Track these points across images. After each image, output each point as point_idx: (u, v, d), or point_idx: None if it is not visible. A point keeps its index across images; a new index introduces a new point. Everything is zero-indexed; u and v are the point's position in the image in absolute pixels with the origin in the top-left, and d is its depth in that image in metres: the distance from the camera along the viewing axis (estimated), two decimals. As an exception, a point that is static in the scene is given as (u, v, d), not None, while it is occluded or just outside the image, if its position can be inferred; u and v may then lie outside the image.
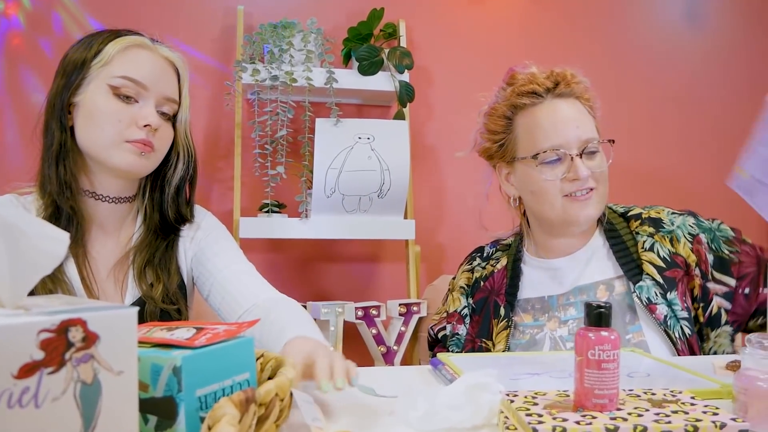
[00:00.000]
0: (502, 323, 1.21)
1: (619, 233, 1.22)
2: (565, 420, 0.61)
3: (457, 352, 1.29)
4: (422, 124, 2.13)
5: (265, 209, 1.81)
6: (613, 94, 2.25)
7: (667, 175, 2.28)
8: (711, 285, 1.15)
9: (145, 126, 1.04)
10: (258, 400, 0.58)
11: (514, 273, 1.26)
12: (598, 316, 0.66)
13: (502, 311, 1.22)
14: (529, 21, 2.23)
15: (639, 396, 0.70)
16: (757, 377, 0.71)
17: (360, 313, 1.71)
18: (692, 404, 0.67)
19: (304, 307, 1.76)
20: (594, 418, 0.62)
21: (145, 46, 1.07)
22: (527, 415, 0.63)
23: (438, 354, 1.05)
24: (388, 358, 1.75)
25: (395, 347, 1.76)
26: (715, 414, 0.63)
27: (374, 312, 1.73)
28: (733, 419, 0.61)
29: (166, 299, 1.08)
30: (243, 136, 1.89)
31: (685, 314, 1.13)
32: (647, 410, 0.65)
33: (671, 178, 2.28)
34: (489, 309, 1.25)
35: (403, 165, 1.77)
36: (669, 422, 0.60)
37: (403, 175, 1.76)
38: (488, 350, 1.23)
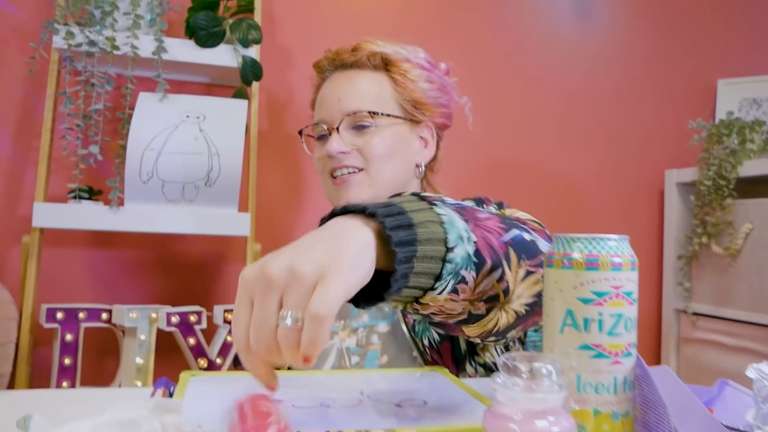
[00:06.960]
0: None
1: None
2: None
3: None
4: (277, 108, 1.90)
5: (73, 194, 1.53)
6: (500, 89, 2.10)
7: (549, 172, 2.13)
8: None
9: None
10: None
11: None
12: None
13: None
14: (410, 7, 2.04)
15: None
16: (509, 417, 0.52)
17: (174, 319, 1.46)
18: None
19: (109, 311, 1.50)
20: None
21: None
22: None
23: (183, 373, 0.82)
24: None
25: (219, 360, 1.52)
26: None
27: (193, 318, 1.49)
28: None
29: None
30: (59, 110, 1.61)
31: None
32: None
33: (554, 176, 2.13)
34: None
35: (235, 150, 1.53)
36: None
37: (236, 161, 1.52)
38: None
